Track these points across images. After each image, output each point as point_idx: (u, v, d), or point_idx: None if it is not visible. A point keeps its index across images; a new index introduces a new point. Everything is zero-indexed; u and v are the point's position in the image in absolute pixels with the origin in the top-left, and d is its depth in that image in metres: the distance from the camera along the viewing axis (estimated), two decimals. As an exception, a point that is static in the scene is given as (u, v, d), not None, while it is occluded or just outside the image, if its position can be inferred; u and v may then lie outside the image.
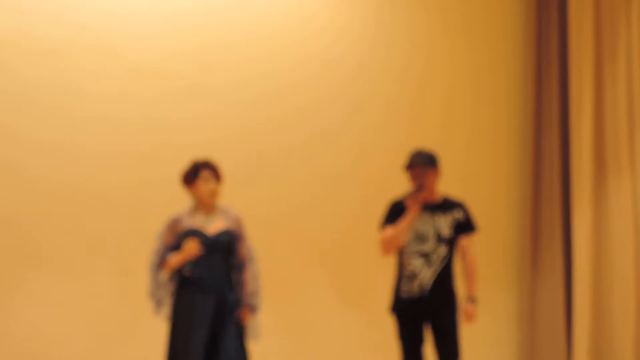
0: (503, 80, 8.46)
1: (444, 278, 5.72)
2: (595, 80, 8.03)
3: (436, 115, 8.22)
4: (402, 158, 7.86)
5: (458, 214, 5.79)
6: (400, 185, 7.78)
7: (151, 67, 7.36)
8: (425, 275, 5.70)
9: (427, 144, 7.95)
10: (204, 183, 5.73)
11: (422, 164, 5.78)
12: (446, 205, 5.81)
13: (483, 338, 8.03)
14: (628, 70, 7.87)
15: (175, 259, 5.65)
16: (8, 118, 7.00)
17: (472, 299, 5.73)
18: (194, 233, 5.68)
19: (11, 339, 6.94)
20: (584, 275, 7.88)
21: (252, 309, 5.84)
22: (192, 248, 5.60)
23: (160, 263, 5.74)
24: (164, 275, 5.77)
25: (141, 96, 7.33)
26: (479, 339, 7.84)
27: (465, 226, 5.79)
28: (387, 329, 7.84)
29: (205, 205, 5.77)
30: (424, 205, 5.76)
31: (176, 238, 5.70)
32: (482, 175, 8.35)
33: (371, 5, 8.09)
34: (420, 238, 5.74)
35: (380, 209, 7.78)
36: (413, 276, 5.74)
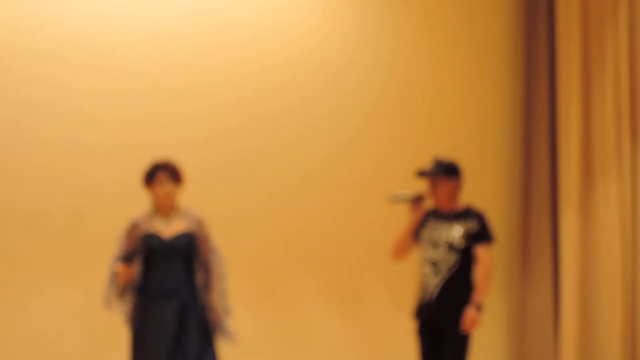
0: (490, 85, 8.47)
1: (452, 287, 5.77)
2: (583, 85, 8.07)
3: (420, 119, 8.22)
4: (386, 160, 8.03)
5: (472, 224, 5.82)
6: (386, 186, 7.86)
7: (137, 68, 7.35)
8: (432, 282, 5.80)
9: (411, 147, 8.11)
10: (160, 185, 5.67)
11: (432, 173, 5.85)
12: (463, 215, 5.85)
13: (472, 343, 8.03)
14: (616, 75, 7.92)
15: (117, 283, 5.58)
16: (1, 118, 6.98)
17: (475, 306, 5.74)
18: (151, 237, 5.61)
19: (3, 342, 6.90)
20: (572, 279, 7.92)
21: (221, 311, 5.76)
22: (119, 276, 5.57)
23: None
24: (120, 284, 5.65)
25: (129, 96, 7.33)
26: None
27: (479, 236, 5.81)
28: (377, 335, 7.92)
29: (162, 208, 5.71)
30: (442, 214, 5.86)
31: (135, 242, 5.63)
32: (469, 181, 8.27)
33: (357, 9, 8.07)
34: (433, 246, 5.82)
35: (366, 211, 7.89)
36: (424, 283, 5.86)
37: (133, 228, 5.68)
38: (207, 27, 7.60)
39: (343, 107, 7.98)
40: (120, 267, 5.57)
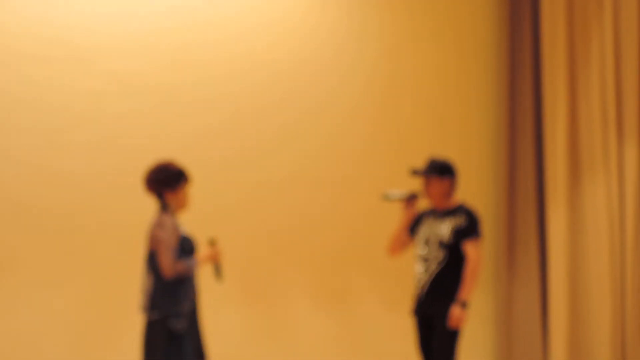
0: (475, 82, 8.44)
1: (441, 282, 5.83)
2: (569, 81, 8.06)
3: (405, 116, 8.19)
4: (371, 157, 8.02)
5: (460, 220, 5.86)
6: (370, 183, 7.89)
7: (124, 66, 7.31)
8: (423, 278, 5.90)
9: (395, 144, 8.10)
10: (184, 192, 5.60)
11: (426, 172, 5.92)
12: (453, 212, 5.91)
13: (460, 339, 8.04)
14: (601, 70, 7.92)
15: (200, 263, 5.54)
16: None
17: (460, 302, 5.78)
18: (188, 240, 5.55)
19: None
20: (560, 275, 7.92)
21: None
22: (216, 254, 5.63)
23: (186, 270, 5.47)
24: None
25: (116, 94, 7.29)
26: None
27: (466, 232, 5.84)
28: (364, 330, 7.91)
29: (178, 212, 5.63)
30: (437, 212, 5.94)
31: (176, 242, 5.49)
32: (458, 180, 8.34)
33: (341, 7, 8.04)
34: (425, 243, 5.91)
35: (352, 207, 7.89)
36: (418, 279, 5.95)
37: (175, 228, 5.49)
38: (191, 25, 7.56)
39: (328, 104, 7.96)
40: (215, 247, 5.61)
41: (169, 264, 5.36)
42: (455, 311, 5.75)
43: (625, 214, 7.82)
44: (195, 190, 7.27)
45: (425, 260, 5.87)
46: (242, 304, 7.59)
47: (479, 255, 5.82)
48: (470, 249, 5.81)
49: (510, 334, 8.20)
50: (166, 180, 5.54)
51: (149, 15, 7.44)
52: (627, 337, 7.75)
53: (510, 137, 8.37)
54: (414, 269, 6.01)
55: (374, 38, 8.12)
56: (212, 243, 5.66)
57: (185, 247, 5.51)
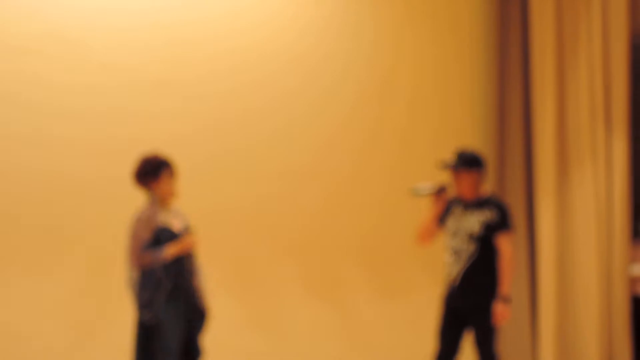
0: (467, 72, 8.47)
1: (473, 275, 5.85)
2: (557, 74, 8.12)
3: (402, 109, 8.17)
4: (368, 152, 8.00)
5: (491, 213, 5.88)
6: (367, 178, 7.93)
7: (117, 61, 7.21)
8: (454, 270, 5.92)
9: (393, 140, 8.11)
10: (166, 182, 5.69)
11: (455, 166, 5.96)
12: (483, 204, 5.93)
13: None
14: (590, 63, 8.00)
15: (171, 252, 5.53)
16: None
17: (501, 298, 5.81)
18: (165, 230, 5.60)
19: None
20: (549, 266, 7.98)
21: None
22: (189, 243, 5.60)
23: (149, 260, 5.54)
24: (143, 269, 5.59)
25: (108, 90, 7.19)
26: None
27: (497, 225, 5.86)
28: (357, 321, 7.87)
29: (163, 203, 5.71)
30: (464, 203, 5.97)
31: (151, 234, 5.58)
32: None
33: (337, 1, 7.99)
34: (454, 235, 5.94)
35: (348, 202, 7.85)
36: (448, 271, 5.98)
37: (150, 219, 5.60)
38: (187, 20, 7.46)
39: (325, 99, 7.92)
40: (190, 236, 5.60)
41: (134, 255, 5.54)
42: (498, 307, 5.79)
43: (613, 206, 7.91)
44: (192, 185, 7.23)
45: (456, 252, 5.91)
46: (236, 294, 7.51)
47: (511, 248, 5.87)
48: (503, 242, 5.85)
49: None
50: (148, 172, 5.68)
51: (143, 10, 7.32)
52: (615, 328, 7.87)
53: (500, 129, 8.43)
54: (443, 259, 6.06)
55: (370, 30, 8.09)
56: (187, 232, 5.68)
57: (162, 238, 5.57)
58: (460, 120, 8.40)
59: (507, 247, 5.82)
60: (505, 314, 5.77)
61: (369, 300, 7.91)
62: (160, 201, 5.69)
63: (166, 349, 5.47)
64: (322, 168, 7.86)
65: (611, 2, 7.94)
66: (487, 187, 6.12)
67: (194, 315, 5.68)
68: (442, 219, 6.04)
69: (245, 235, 7.56)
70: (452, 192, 6.06)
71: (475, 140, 8.45)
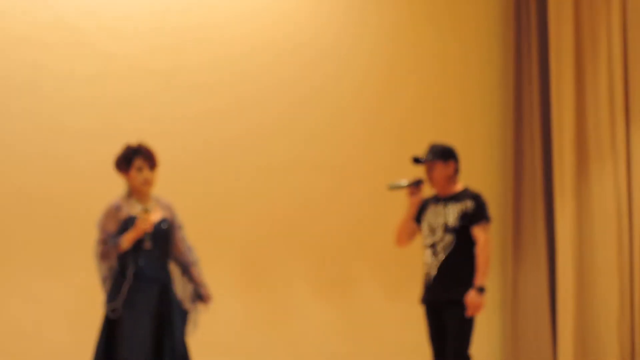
0: (480, 70, 8.41)
1: (450, 268, 5.72)
2: (576, 69, 8.04)
3: (405, 103, 8.16)
4: (370, 145, 7.95)
5: (468, 205, 5.76)
6: (370, 170, 7.86)
7: (116, 50, 7.27)
8: (432, 264, 5.78)
9: (395, 131, 8.06)
10: (138, 172, 5.49)
11: (427, 159, 5.85)
12: (459, 197, 5.82)
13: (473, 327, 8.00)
14: (609, 58, 7.89)
15: (128, 237, 5.36)
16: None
17: (475, 288, 5.66)
18: (133, 221, 5.40)
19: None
20: (567, 263, 7.89)
21: (209, 298, 5.68)
22: (144, 223, 5.35)
23: (109, 251, 5.44)
24: (113, 262, 5.47)
25: (109, 78, 7.24)
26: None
27: (474, 216, 5.73)
28: (364, 318, 7.84)
29: (139, 194, 5.52)
30: (441, 198, 5.85)
31: (117, 226, 5.43)
32: (461, 165, 8.28)
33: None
34: (431, 230, 5.82)
35: (351, 194, 7.83)
36: (426, 267, 5.84)
37: (115, 211, 5.47)
38: (191, 8, 7.51)
39: (326, 90, 7.91)
40: (145, 217, 5.37)
41: (96, 247, 5.45)
42: (471, 297, 5.63)
43: (632, 202, 7.77)
44: (195, 176, 7.29)
45: (432, 247, 5.77)
46: (243, 291, 7.54)
47: (489, 239, 5.72)
48: (480, 233, 5.71)
49: (517, 322, 8.19)
50: (120, 162, 5.54)
51: (145, 0, 7.39)
52: (636, 323, 7.71)
53: (517, 124, 8.34)
54: (422, 258, 5.89)
55: (373, 22, 8.07)
56: (142, 214, 5.43)
57: (129, 228, 5.41)
58: (473, 114, 8.36)
59: (484, 237, 5.68)
60: (479, 304, 5.61)
61: (376, 297, 7.89)
62: (134, 192, 5.52)
63: (127, 345, 5.31)
64: (327, 159, 7.85)
65: (631, -8, 7.83)
66: (462, 181, 5.97)
67: (166, 310, 5.45)
68: (418, 217, 5.90)
69: (248, 229, 7.54)
70: (427, 188, 5.93)
71: (491, 135, 8.42)
